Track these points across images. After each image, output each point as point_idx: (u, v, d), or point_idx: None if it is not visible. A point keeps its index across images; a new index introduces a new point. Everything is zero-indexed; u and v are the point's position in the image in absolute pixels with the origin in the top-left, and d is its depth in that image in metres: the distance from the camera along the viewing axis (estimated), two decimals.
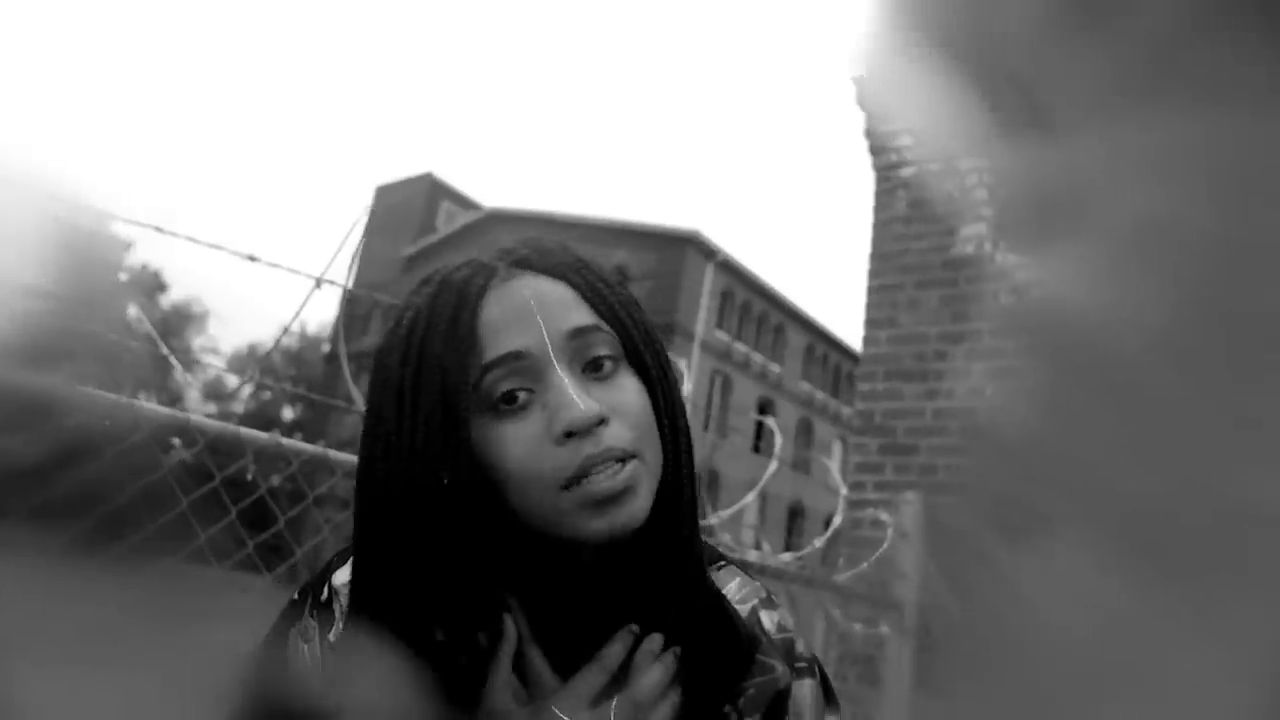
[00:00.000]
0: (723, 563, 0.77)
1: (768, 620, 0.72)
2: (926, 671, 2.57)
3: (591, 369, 0.63)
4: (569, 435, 0.60)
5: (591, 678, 0.64)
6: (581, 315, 0.64)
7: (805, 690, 0.70)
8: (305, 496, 1.40)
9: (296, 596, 0.73)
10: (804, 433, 30.03)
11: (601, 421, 0.61)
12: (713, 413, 26.20)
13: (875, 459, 3.32)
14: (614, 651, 0.65)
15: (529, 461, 0.60)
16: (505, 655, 0.65)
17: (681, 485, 0.67)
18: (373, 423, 0.65)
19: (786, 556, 2.49)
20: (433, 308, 0.63)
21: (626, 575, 0.67)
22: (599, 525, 0.61)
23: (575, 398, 0.60)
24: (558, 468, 0.60)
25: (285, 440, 1.36)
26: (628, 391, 0.64)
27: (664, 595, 0.67)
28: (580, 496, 0.60)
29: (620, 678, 0.65)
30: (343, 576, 0.71)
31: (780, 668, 0.70)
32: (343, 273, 1.31)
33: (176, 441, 1.35)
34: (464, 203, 34.93)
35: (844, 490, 2.59)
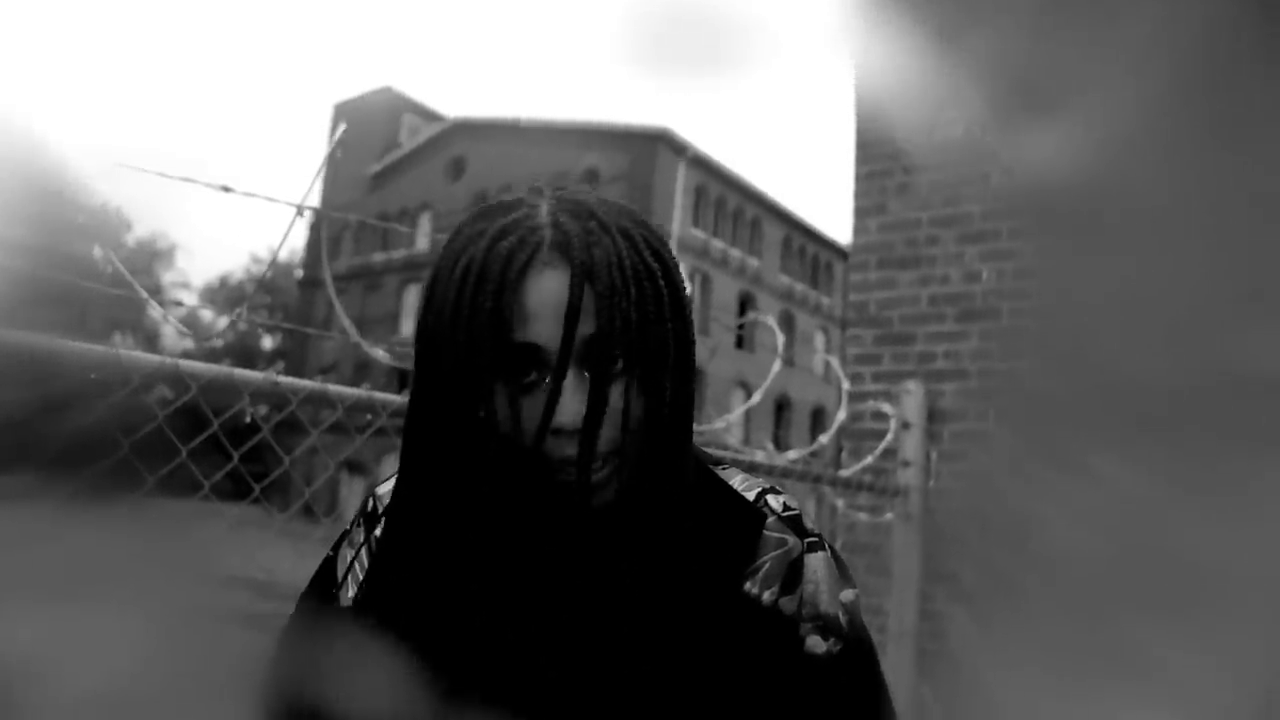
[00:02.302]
0: (725, 464, 0.82)
1: (774, 502, 0.77)
2: (934, 558, 2.59)
3: (594, 367, 0.67)
4: (555, 432, 0.66)
5: None
6: (596, 324, 0.67)
7: (818, 560, 0.75)
8: (305, 431, 1.35)
9: (349, 525, 0.84)
10: (786, 325, 30.14)
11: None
12: (694, 311, 26.18)
13: (872, 350, 3.29)
14: None
15: (529, 434, 0.67)
16: None
17: (670, 451, 0.71)
18: (425, 356, 0.71)
19: (793, 454, 2.47)
20: (484, 267, 0.66)
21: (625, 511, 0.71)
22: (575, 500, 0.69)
23: (566, 402, 0.66)
24: (548, 449, 0.67)
25: (281, 378, 1.31)
26: (621, 395, 0.68)
27: (664, 511, 0.72)
28: (564, 480, 0.68)
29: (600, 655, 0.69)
30: (385, 488, 0.81)
31: (791, 539, 0.75)
32: (312, 197, 1.23)
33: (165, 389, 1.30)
34: (427, 114, 34.08)
35: (846, 384, 2.56)
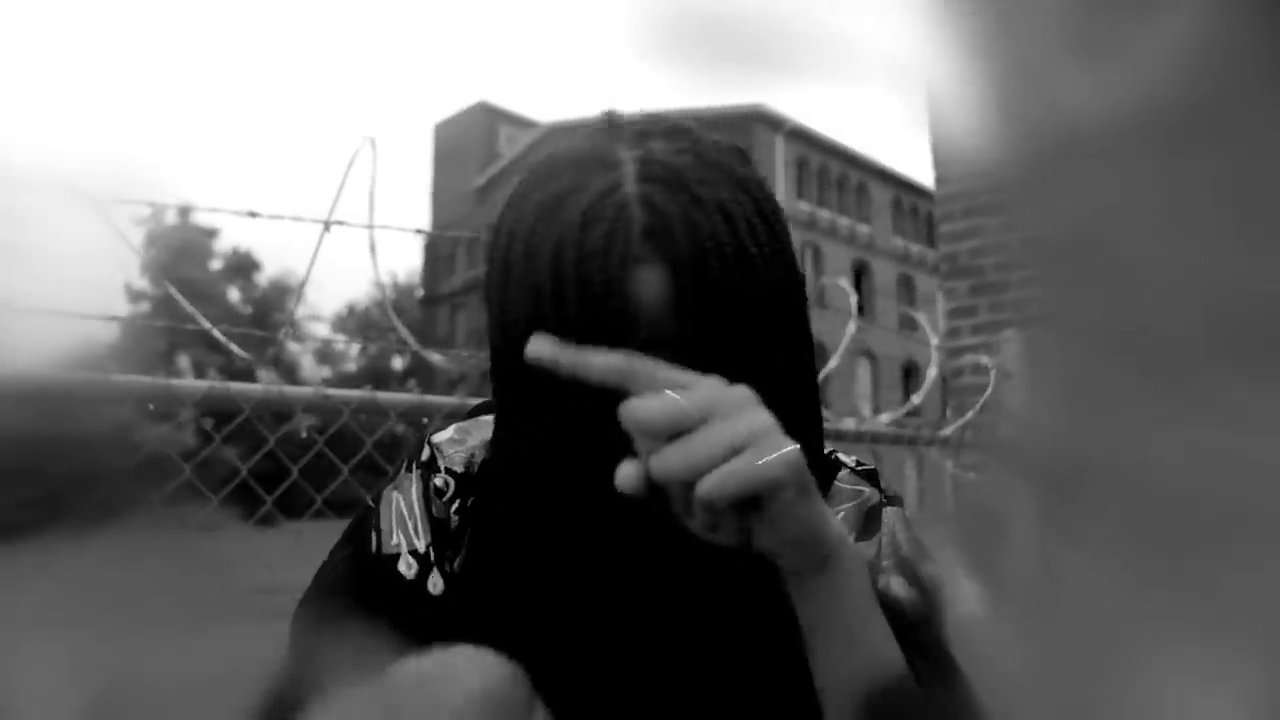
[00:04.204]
0: None
1: (846, 458, 0.75)
2: (1050, 511, 2.46)
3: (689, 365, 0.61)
4: None
5: None
6: (692, 329, 0.59)
7: (895, 514, 0.72)
8: (363, 444, 1.38)
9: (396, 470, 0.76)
10: (905, 289, 29.38)
11: None
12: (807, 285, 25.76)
13: (967, 302, 3.16)
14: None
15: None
16: None
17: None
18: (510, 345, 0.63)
19: (884, 418, 2.39)
20: (580, 266, 0.58)
21: None
22: None
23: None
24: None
25: (331, 391, 1.34)
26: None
27: None
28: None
29: None
30: (443, 436, 0.73)
31: (867, 489, 0.72)
32: (345, 214, 1.25)
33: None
34: (522, 123, 34.67)
35: (934, 340, 2.46)
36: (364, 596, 0.66)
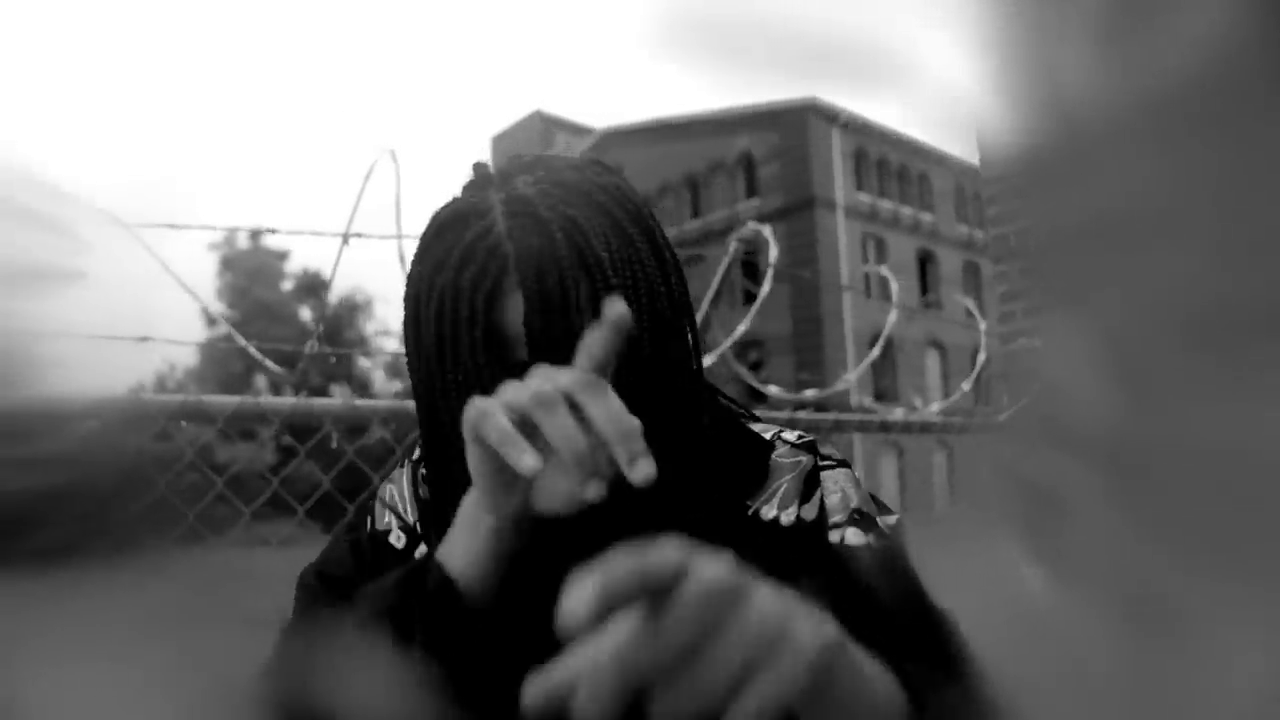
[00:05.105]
0: (748, 418, 0.82)
1: (788, 435, 0.79)
2: (1111, 492, 2.38)
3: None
4: None
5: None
6: (543, 344, 0.66)
7: (841, 474, 0.76)
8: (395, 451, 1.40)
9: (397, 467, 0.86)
10: (971, 276, 28.80)
11: None
12: (871, 278, 25.41)
13: (1020, 285, 3.08)
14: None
15: None
16: None
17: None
18: (426, 389, 0.71)
19: (935, 407, 2.35)
20: (456, 306, 0.66)
21: None
22: None
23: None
24: None
25: (360, 401, 1.36)
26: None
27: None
28: None
29: None
30: None
31: (805, 458, 0.76)
32: (358, 225, 1.27)
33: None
34: (577, 130, 34.92)
35: (982, 324, 2.40)
36: (360, 564, 0.75)
